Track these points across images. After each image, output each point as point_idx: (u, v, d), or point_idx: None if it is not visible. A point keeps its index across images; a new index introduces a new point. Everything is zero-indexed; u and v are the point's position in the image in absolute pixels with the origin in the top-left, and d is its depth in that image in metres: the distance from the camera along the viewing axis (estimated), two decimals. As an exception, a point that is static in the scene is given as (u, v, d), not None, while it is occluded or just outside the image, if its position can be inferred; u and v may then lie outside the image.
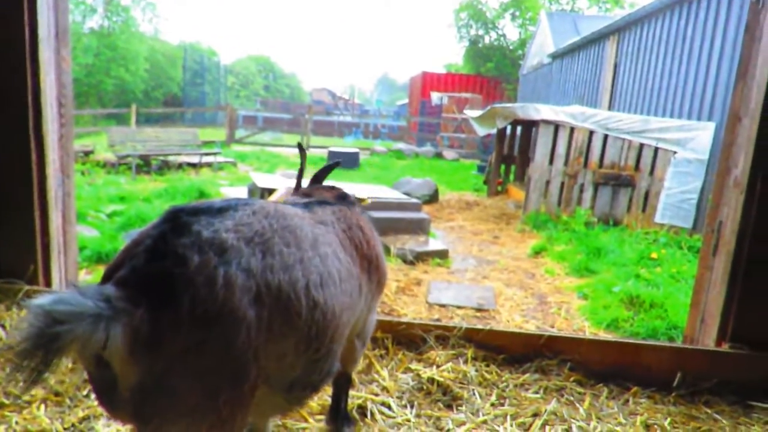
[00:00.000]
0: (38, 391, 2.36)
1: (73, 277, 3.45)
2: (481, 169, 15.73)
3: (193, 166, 13.54)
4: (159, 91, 32.36)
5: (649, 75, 10.89)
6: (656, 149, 8.38)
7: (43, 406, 2.27)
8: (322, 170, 2.33)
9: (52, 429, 2.13)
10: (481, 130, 11.80)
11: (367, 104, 55.21)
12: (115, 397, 1.14)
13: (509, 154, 12.63)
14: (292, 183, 7.05)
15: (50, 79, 3.05)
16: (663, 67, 10.22)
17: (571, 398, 2.57)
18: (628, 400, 2.57)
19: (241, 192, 9.69)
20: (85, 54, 25.86)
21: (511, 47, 28.97)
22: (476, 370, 2.72)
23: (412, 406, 2.44)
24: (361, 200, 2.41)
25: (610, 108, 12.83)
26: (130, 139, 13.50)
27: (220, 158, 14.37)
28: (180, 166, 13.48)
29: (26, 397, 2.32)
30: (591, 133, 8.59)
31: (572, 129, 8.63)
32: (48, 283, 3.10)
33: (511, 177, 12.57)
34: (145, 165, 12.98)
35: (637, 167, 8.50)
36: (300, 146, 2.44)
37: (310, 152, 19.93)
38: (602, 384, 2.69)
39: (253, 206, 1.38)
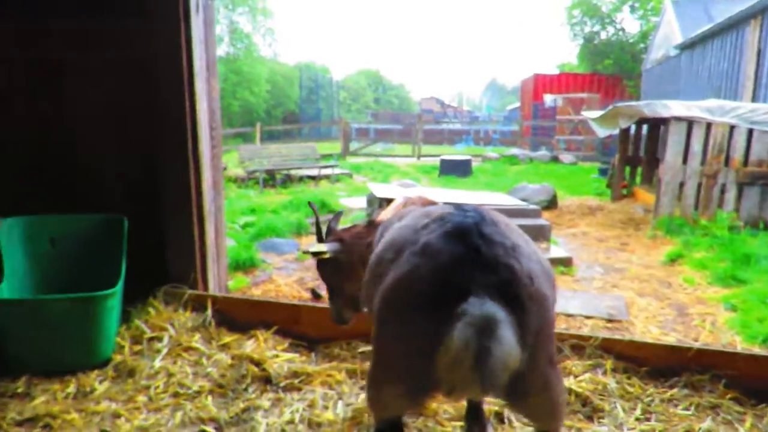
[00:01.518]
0: (205, 383, 2.66)
1: (224, 282, 3.83)
2: (602, 172, 14.88)
3: (313, 178, 14.27)
4: (279, 110, 34.57)
5: (801, 60, 9.67)
6: (814, 143, 7.41)
7: (210, 397, 2.55)
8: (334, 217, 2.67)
9: (220, 418, 2.39)
10: (601, 132, 11.20)
11: (476, 110, 54.61)
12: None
13: (634, 155, 11.83)
14: (409, 192, 7.21)
15: (203, 107, 3.43)
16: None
17: (729, 417, 2.37)
18: (798, 423, 2.32)
19: (360, 202, 10.06)
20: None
21: (630, 41, 27.12)
22: (617, 383, 2.61)
23: (549, 416, 2.40)
24: None
25: (753, 100, 11.56)
26: (257, 156, 14.60)
27: (337, 170, 15.04)
28: (301, 179, 14.28)
29: (195, 388, 2.62)
30: (732, 128, 7.81)
31: (709, 125, 7.90)
32: (205, 287, 3.48)
33: (638, 179, 11.75)
34: (270, 179, 13.93)
35: (790, 164, 7.58)
36: (311, 204, 2.74)
37: (422, 161, 20.14)
38: (765, 405, 2.45)
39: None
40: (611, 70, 26.29)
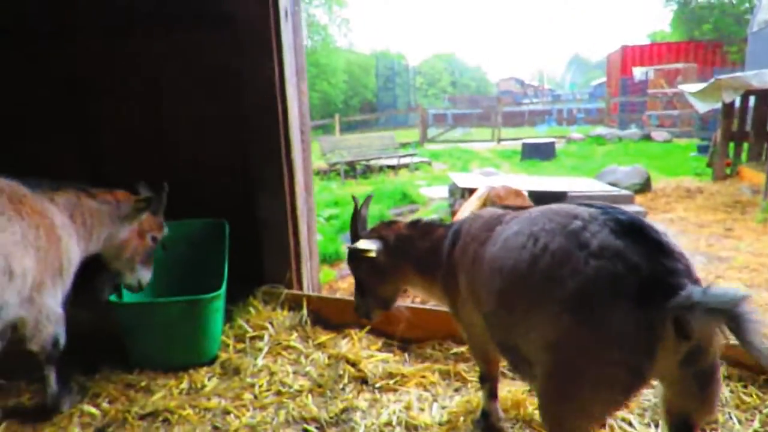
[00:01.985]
0: (305, 382, 2.78)
1: (316, 281, 3.96)
2: (702, 149, 13.81)
3: (392, 168, 14.36)
4: (356, 99, 35.00)
5: None
6: None
7: (310, 396, 2.67)
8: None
9: (320, 417, 2.49)
10: (702, 106, 10.35)
11: (558, 89, 52.42)
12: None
13: (740, 130, 10.86)
14: (491, 182, 7.05)
15: (294, 112, 3.54)
16: None
17: None
18: None
19: (440, 191, 10.01)
20: (295, 73, 29.15)
21: (733, 2, 24.81)
22: (731, 391, 2.44)
23: (656, 426, 2.29)
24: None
25: None
26: (337, 147, 14.91)
27: (416, 158, 15.03)
28: (381, 168, 14.43)
29: (296, 387, 2.74)
30: None
31: (831, 95, 7.09)
32: (300, 286, 3.62)
33: (744, 157, 10.80)
34: (351, 170, 14.18)
35: None
36: (354, 198, 2.59)
37: (502, 145, 19.66)
38: None
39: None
40: (710, 36, 24.22)
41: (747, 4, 23.66)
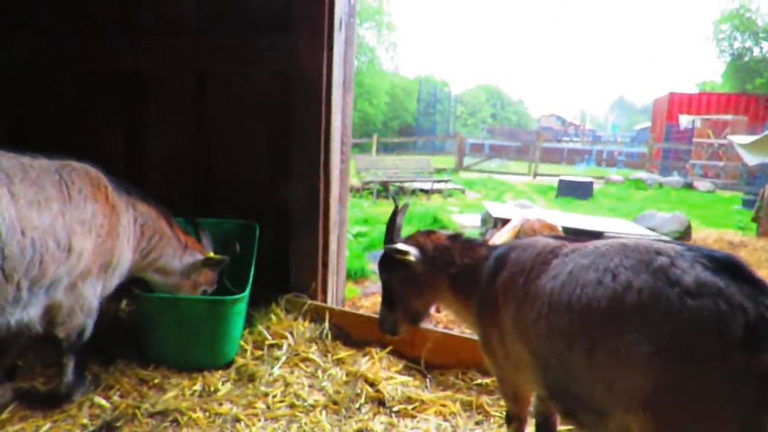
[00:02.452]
0: (320, 397, 2.67)
1: (341, 295, 3.88)
2: (747, 203, 13.31)
3: (425, 192, 14.29)
4: (396, 122, 35.19)
5: None
6: None
7: (324, 413, 2.56)
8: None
9: (333, 435, 2.38)
10: (751, 159, 10.04)
11: (599, 129, 51.80)
12: None
13: (790, 187, 10.44)
14: (527, 213, 6.90)
15: (337, 123, 3.50)
16: None
17: None
18: None
19: (472, 219, 9.87)
20: (338, 92, 29.58)
21: (789, 58, 24.25)
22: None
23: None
24: None
25: None
26: (373, 167, 14.95)
27: (450, 185, 14.94)
28: (414, 191, 14.37)
29: (310, 401, 2.64)
30: None
31: None
32: (324, 298, 3.53)
33: (793, 215, 10.34)
34: (384, 190, 14.16)
35: None
36: (395, 199, 2.57)
37: (538, 180, 19.40)
38: None
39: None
40: (763, 90, 23.62)
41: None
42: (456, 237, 2.29)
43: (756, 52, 25.34)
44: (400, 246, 2.21)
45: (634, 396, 1.40)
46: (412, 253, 2.19)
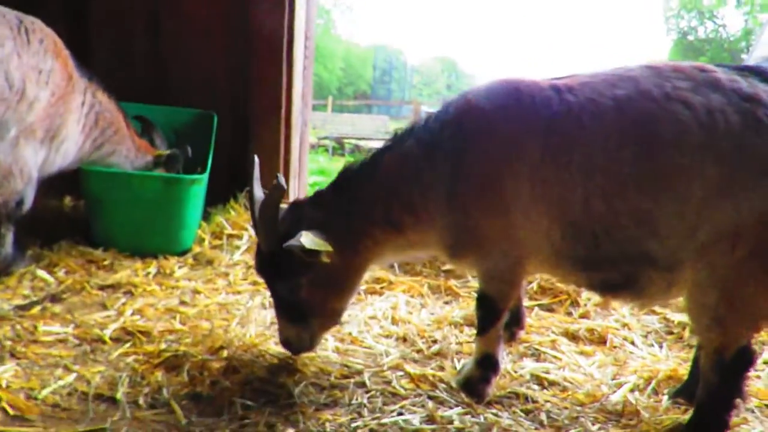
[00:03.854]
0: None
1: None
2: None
3: (382, 150, 14.17)
4: (350, 88, 34.72)
5: None
6: None
7: (289, 288, 2.45)
8: None
9: None
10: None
11: (550, 105, 52.92)
12: None
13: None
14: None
15: (301, 13, 3.32)
16: None
17: None
18: None
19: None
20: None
21: (731, 39, 25.34)
22: None
23: (659, 346, 2.13)
24: None
25: None
26: (328, 123, 14.70)
27: (406, 144, 14.87)
28: (370, 150, 14.22)
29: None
30: None
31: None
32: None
33: None
34: (339, 147, 13.94)
35: None
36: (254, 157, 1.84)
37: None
38: None
39: None
40: (705, 68, 24.65)
41: (744, 42, 24.13)
42: (342, 178, 1.79)
43: (701, 31, 26.37)
44: (307, 241, 1.54)
45: (724, 230, 1.37)
46: (325, 248, 1.57)
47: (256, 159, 1.77)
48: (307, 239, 1.55)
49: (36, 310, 2.08)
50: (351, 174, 1.79)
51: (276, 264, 1.68)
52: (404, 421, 1.53)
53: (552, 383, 1.82)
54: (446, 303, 2.53)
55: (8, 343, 1.81)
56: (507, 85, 1.67)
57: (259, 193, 1.74)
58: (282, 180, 1.61)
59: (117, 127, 2.64)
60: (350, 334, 2.06)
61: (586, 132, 1.51)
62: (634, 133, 1.47)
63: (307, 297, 1.71)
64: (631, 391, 1.78)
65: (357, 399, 1.65)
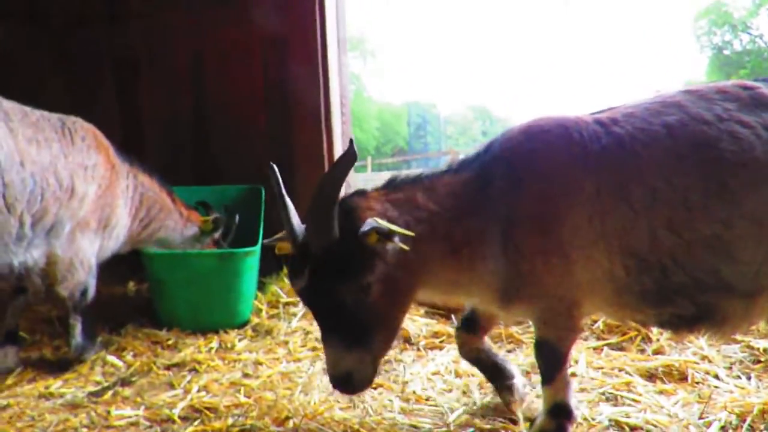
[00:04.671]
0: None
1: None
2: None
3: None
4: (388, 146, 35.48)
5: None
6: None
7: (348, 351, 2.44)
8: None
9: None
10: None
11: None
12: None
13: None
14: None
15: (335, 81, 3.48)
16: None
17: None
18: None
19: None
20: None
21: (769, 46, 24.66)
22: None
23: (747, 378, 1.98)
24: None
25: None
26: (370, 182, 14.94)
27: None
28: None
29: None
30: None
31: None
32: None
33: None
34: (383, 204, 14.12)
35: None
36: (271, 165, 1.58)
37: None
38: None
39: None
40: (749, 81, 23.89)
41: (785, 49, 23.42)
42: (411, 180, 1.66)
43: (736, 44, 25.78)
44: (384, 222, 1.44)
45: None
46: (398, 229, 1.45)
47: (274, 166, 1.53)
48: (383, 222, 1.42)
49: (108, 395, 2.14)
50: (405, 179, 1.68)
51: (336, 266, 1.46)
52: (481, 481, 1.46)
53: (634, 428, 1.70)
54: (509, 351, 2.45)
55: (84, 430, 1.86)
56: (551, 122, 1.64)
57: (287, 199, 1.54)
58: (354, 146, 1.42)
59: (162, 204, 2.77)
60: (414, 392, 2.02)
61: (641, 162, 1.47)
62: (694, 158, 1.43)
63: (377, 301, 1.51)
64: (723, 428, 1.64)
65: (429, 461, 1.59)
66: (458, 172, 1.66)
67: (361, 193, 1.64)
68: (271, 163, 1.53)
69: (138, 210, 2.69)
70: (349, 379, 1.52)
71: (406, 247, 1.46)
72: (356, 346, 1.51)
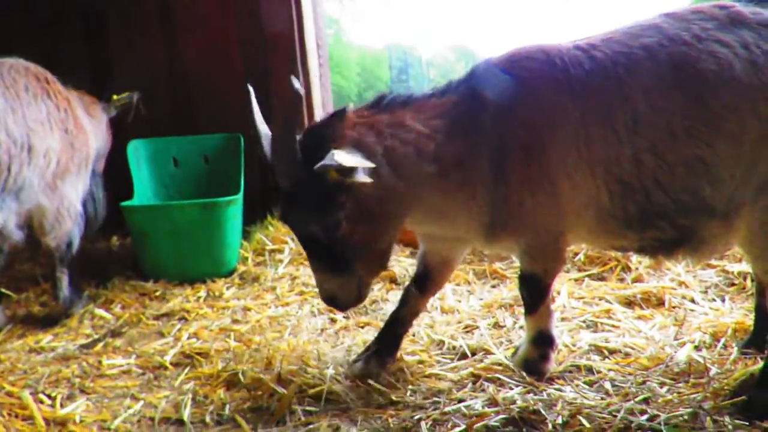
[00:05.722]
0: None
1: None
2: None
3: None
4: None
5: None
6: None
7: (335, 293, 2.47)
8: None
9: (348, 308, 2.30)
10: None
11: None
12: None
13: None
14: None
15: (309, 23, 3.37)
16: None
17: None
18: None
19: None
20: (308, 66, 29.30)
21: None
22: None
23: (722, 300, 2.05)
24: None
25: None
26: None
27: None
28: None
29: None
30: None
31: None
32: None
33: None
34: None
35: None
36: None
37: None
38: None
39: None
40: None
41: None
42: (388, 99, 1.60)
43: None
44: (342, 158, 1.37)
45: None
46: (359, 161, 1.41)
47: (250, 87, 1.54)
48: (342, 156, 1.36)
49: (99, 346, 2.16)
50: (394, 99, 1.60)
51: (303, 201, 1.46)
52: (466, 407, 1.51)
53: (613, 351, 1.77)
54: (493, 287, 2.50)
55: (77, 380, 1.88)
56: (532, 50, 1.60)
57: (262, 125, 1.56)
58: (298, 85, 1.40)
59: (94, 107, 2.69)
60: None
61: (624, 86, 1.46)
62: (675, 80, 1.43)
63: (347, 236, 1.49)
64: (697, 348, 1.72)
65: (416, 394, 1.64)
66: (444, 94, 1.61)
67: (339, 116, 1.55)
68: (248, 84, 1.53)
69: (95, 125, 2.61)
70: (335, 301, 1.60)
71: (369, 180, 1.41)
72: (339, 273, 1.55)
